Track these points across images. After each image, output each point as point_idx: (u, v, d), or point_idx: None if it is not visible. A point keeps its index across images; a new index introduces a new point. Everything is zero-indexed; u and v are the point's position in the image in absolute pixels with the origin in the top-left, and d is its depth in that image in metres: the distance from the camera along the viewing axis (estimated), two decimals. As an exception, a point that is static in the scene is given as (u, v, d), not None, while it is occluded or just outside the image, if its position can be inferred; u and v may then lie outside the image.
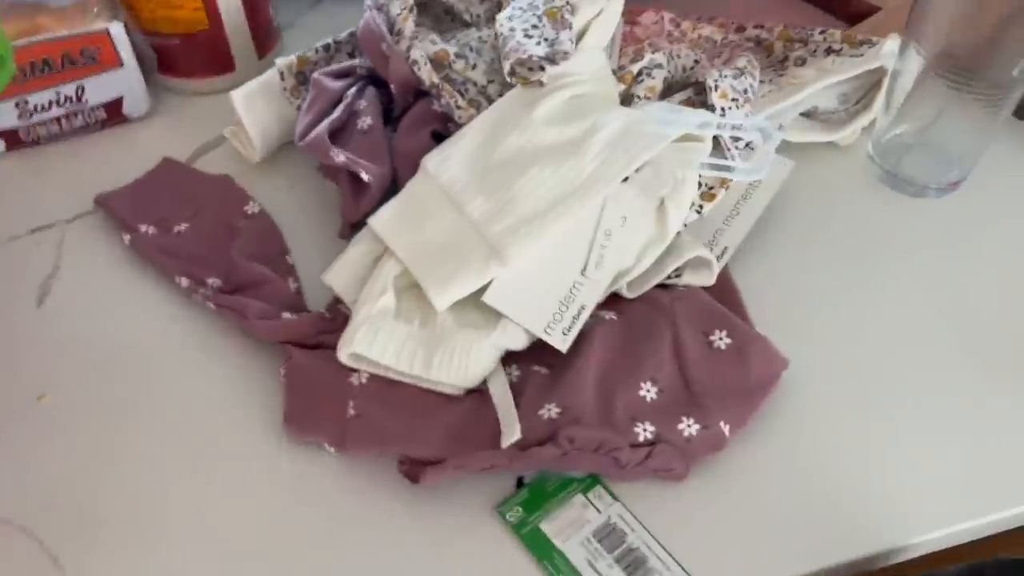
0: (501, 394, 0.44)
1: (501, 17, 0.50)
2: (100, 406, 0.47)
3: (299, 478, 0.44)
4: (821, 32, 0.59)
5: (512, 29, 0.49)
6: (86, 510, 0.43)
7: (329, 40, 0.60)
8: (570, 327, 0.46)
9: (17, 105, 0.56)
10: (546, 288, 0.46)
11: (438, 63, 0.52)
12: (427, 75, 0.52)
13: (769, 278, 0.52)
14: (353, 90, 0.55)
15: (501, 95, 0.51)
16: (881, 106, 0.57)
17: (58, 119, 0.58)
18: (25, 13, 0.54)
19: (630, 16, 0.60)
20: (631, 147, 0.46)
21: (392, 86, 0.53)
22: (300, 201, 0.56)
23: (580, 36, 0.50)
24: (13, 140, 0.58)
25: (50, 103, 0.57)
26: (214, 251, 0.52)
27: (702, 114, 0.48)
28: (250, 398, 0.47)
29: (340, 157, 0.50)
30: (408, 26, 0.53)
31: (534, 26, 0.49)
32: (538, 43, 0.48)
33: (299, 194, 0.57)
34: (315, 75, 0.55)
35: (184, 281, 0.50)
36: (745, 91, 0.53)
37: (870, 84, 0.57)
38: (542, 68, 0.48)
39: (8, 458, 0.45)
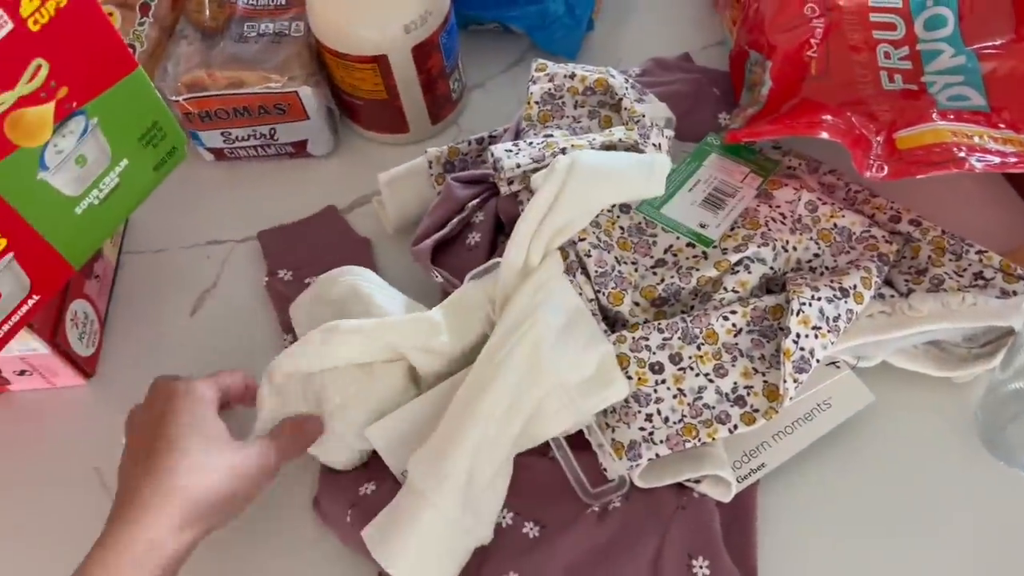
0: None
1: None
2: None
3: (296, 545, 0.53)
4: (978, 252, 0.54)
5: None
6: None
7: (484, 134, 0.64)
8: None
9: (223, 134, 0.66)
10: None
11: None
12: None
13: (798, 508, 0.51)
14: (476, 201, 0.59)
15: (588, 254, 0.53)
16: (1002, 359, 0.51)
17: (255, 147, 0.68)
18: (236, 68, 0.63)
19: (768, 188, 0.58)
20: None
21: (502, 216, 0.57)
22: (416, 279, 0.62)
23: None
24: (219, 155, 0.69)
25: (248, 136, 0.67)
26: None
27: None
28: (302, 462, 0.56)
29: (438, 278, 0.56)
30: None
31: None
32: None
33: (416, 272, 0.63)
34: (448, 179, 0.60)
35: (288, 339, 0.59)
36: (836, 318, 0.50)
37: (1003, 330, 0.52)
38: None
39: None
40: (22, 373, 0.59)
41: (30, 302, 0.49)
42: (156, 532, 0.42)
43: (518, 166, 0.54)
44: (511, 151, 0.55)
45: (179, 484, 0.43)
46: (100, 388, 0.61)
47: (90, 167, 0.49)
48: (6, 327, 0.48)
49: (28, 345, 0.55)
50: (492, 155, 0.55)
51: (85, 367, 0.60)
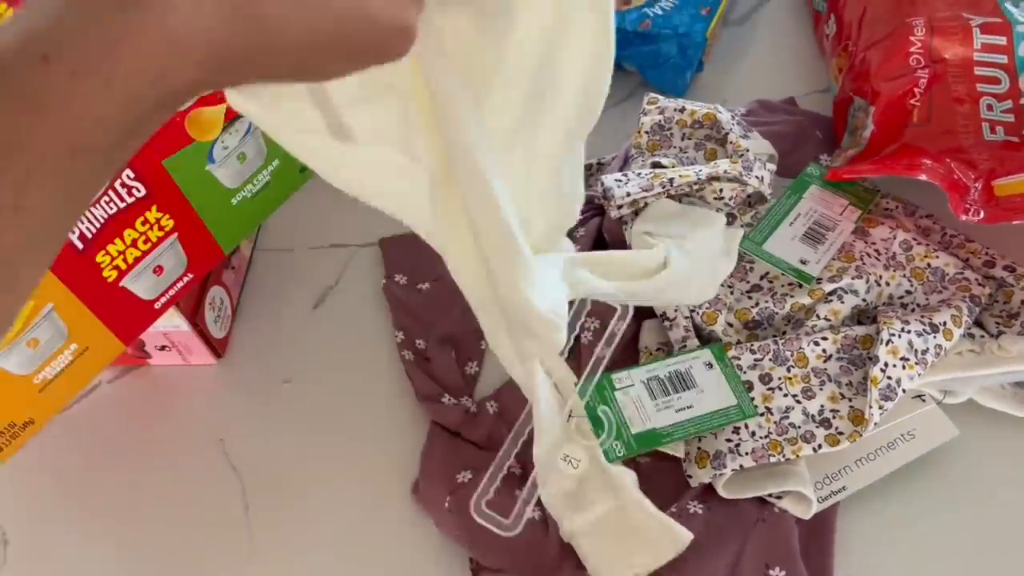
0: None
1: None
2: (314, 403, 0.63)
3: (394, 528, 0.57)
4: (1073, 301, 0.55)
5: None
6: (284, 477, 0.60)
7: (593, 160, 0.68)
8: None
9: (354, 148, 0.73)
10: None
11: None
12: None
13: (875, 535, 0.53)
14: (580, 218, 0.63)
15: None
16: (1093, 407, 0.52)
17: (381, 161, 0.74)
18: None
19: (865, 226, 0.60)
20: None
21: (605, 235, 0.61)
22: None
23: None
24: (349, 167, 0.75)
25: (377, 151, 0.73)
26: (434, 316, 0.65)
27: None
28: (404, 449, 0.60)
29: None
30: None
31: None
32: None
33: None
34: (558, 199, 0.64)
35: (400, 335, 0.64)
36: (924, 352, 0.53)
37: (1096, 377, 0.53)
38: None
39: (251, 424, 0.63)
40: (163, 348, 0.65)
41: (185, 279, 0.55)
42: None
43: (628, 195, 0.58)
44: (621, 181, 0.59)
45: None
46: (227, 368, 0.67)
47: (249, 164, 0.55)
48: (163, 299, 0.54)
49: (172, 322, 0.62)
50: (602, 184, 0.59)
51: (217, 348, 0.66)
